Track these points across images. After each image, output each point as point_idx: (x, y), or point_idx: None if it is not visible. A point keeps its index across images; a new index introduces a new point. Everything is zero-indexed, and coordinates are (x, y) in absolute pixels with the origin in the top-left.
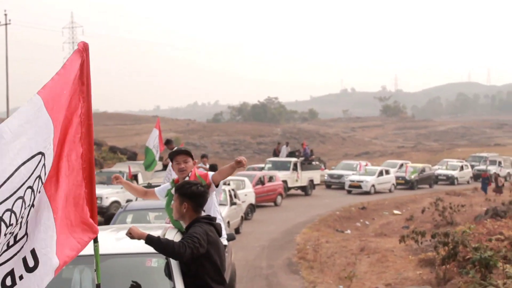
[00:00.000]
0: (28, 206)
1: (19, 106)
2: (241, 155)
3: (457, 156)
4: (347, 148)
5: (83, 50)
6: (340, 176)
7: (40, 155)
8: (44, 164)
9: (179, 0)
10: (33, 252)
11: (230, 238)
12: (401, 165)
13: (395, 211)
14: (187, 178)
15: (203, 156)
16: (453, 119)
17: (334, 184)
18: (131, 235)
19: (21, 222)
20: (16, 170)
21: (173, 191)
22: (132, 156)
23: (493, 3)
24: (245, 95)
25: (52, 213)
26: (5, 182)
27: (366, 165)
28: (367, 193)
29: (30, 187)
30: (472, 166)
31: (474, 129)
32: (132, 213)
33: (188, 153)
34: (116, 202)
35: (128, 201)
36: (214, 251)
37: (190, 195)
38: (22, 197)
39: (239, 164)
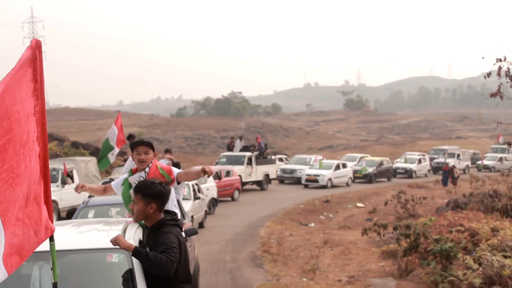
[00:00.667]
0: None
1: None
2: (205, 149)
3: (419, 149)
4: (311, 142)
5: (36, 47)
6: (293, 171)
7: None
8: None
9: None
10: None
11: (192, 233)
12: (360, 159)
13: (359, 204)
14: (147, 169)
15: (167, 151)
16: (415, 113)
17: (287, 179)
18: (116, 243)
19: None
20: None
21: (131, 179)
22: (95, 151)
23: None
24: (209, 90)
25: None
26: None
27: (323, 159)
28: (323, 187)
29: None
30: (432, 159)
31: (436, 122)
32: (94, 209)
33: (149, 144)
34: None
35: (90, 196)
36: (184, 253)
37: (158, 195)
38: None
39: (205, 174)
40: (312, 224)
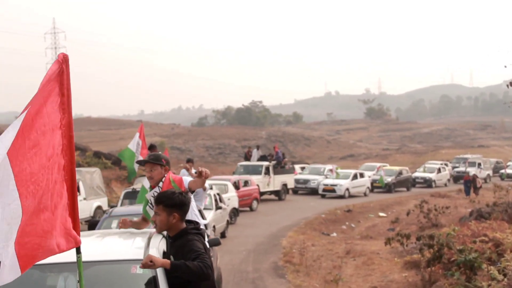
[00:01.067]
0: None
1: (3, 112)
2: (226, 159)
3: (441, 158)
4: (332, 151)
5: (63, 62)
6: (306, 181)
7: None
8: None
9: (161, 6)
10: None
11: (215, 243)
12: (379, 168)
13: (381, 214)
14: (160, 184)
15: (188, 161)
16: (437, 121)
17: (301, 189)
18: (152, 262)
19: None
20: None
21: (148, 195)
22: (117, 161)
23: (475, 6)
24: (230, 99)
25: (19, 227)
26: None
27: (337, 168)
28: (341, 197)
29: None
30: (454, 168)
31: (458, 130)
32: (117, 219)
33: (153, 161)
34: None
35: (112, 206)
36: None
37: (179, 205)
38: None
39: (201, 175)
40: (334, 234)
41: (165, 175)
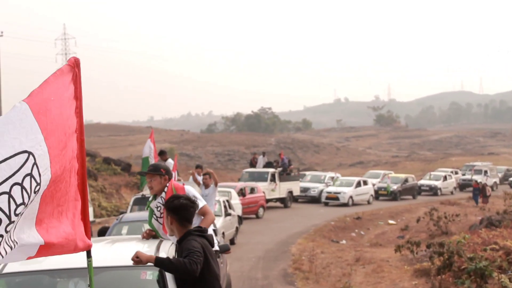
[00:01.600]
0: (20, 204)
1: None
2: (235, 165)
3: (451, 165)
4: (341, 158)
5: (75, 66)
6: (306, 189)
7: (26, 154)
8: (35, 163)
9: (171, 12)
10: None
11: (224, 249)
12: (384, 176)
13: (390, 221)
14: (163, 194)
15: (198, 167)
16: (447, 128)
17: (301, 197)
18: (138, 259)
19: (9, 218)
20: None
21: (152, 205)
22: (126, 167)
23: (484, 13)
24: (239, 106)
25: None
26: None
27: (338, 174)
28: (344, 205)
29: (18, 184)
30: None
31: (468, 138)
32: (128, 225)
33: (152, 172)
34: None
35: (122, 212)
36: (214, 262)
37: (173, 209)
38: (7, 193)
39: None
40: (344, 241)
41: (167, 184)
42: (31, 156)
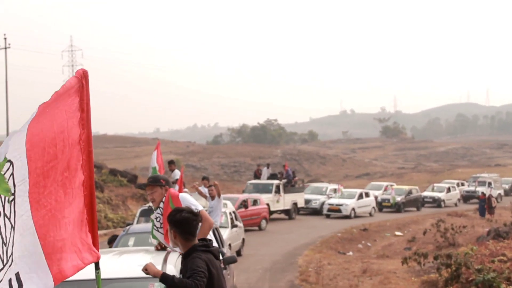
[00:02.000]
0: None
1: (20, 127)
2: (241, 177)
3: (458, 177)
4: (348, 170)
5: (82, 77)
6: (307, 201)
7: (8, 163)
8: (12, 174)
9: (176, 25)
10: (17, 275)
11: (231, 261)
12: (387, 187)
13: (397, 233)
14: (161, 205)
15: (204, 178)
16: (453, 140)
17: (302, 209)
18: (146, 271)
19: (5, 243)
20: None
21: (152, 216)
22: (132, 179)
23: (490, 24)
24: (245, 117)
25: (39, 240)
26: None
27: (340, 187)
28: (347, 217)
29: None
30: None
31: (474, 149)
32: (134, 236)
33: (152, 183)
34: None
35: (128, 224)
36: (219, 276)
37: (176, 223)
38: None
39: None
40: (350, 253)
41: (165, 195)
42: (11, 166)
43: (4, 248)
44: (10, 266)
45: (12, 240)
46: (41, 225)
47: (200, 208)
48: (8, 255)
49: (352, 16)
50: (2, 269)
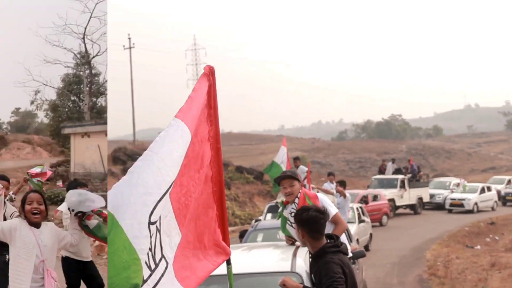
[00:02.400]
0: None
1: (144, 128)
2: (367, 173)
3: None
4: (473, 164)
5: (210, 74)
6: (431, 196)
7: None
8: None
9: (295, 18)
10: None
11: (360, 255)
12: (510, 181)
13: None
14: (296, 200)
15: (330, 174)
16: None
17: (426, 204)
18: (285, 286)
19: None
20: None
21: (285, 213)
22: (259, 176)
23: None
24: (369, 113)
25: (180, 239)
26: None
27: (463, 181)
28: (469, 211)
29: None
30: None
31: None
32: (263, 232)
33: (292, 177)
34: None
35: (257, 220)
36: (351, 279)
37: (303, 222)
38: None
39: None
40: (478, 247)
41: (300, 190)
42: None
43: (150, 253)
44: (166, 268)
45: (159, 243)
46: (183, 223)
47: (335, 211)
48: (157, 259)
49: (477, 9)
50: (151, 275)
